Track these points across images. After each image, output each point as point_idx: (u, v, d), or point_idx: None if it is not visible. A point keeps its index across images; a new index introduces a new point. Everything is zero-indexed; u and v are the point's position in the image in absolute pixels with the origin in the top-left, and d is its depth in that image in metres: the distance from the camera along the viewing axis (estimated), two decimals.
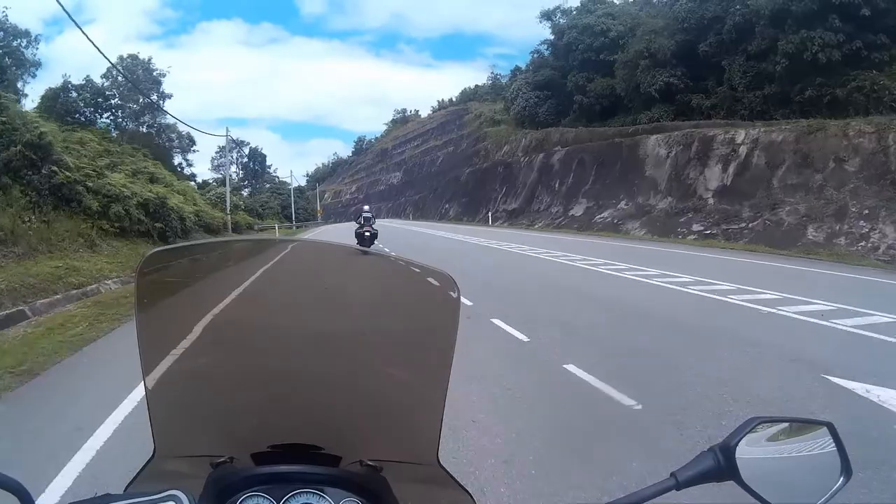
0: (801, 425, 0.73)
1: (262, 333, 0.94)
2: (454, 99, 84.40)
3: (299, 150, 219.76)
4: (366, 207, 16.04)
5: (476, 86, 79.63)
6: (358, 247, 1.23)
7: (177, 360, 0.89)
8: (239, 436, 0.90)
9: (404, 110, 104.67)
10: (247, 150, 61.41)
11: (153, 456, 0.86)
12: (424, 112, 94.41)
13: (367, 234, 14.62)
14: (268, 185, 57.43)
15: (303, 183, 75.09)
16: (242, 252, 1.20)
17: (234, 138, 50.89)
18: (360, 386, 0.93)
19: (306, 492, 0.78)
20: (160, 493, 0.66)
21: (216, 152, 58.22)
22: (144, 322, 0.87)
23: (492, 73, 74.99)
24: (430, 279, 0.87)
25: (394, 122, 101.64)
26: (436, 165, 66.38)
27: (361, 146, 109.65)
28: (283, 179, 59.17)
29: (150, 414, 0.84)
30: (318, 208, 57.27)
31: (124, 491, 0.75)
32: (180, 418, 0.91)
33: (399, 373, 0.92)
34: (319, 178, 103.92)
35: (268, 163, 63.76)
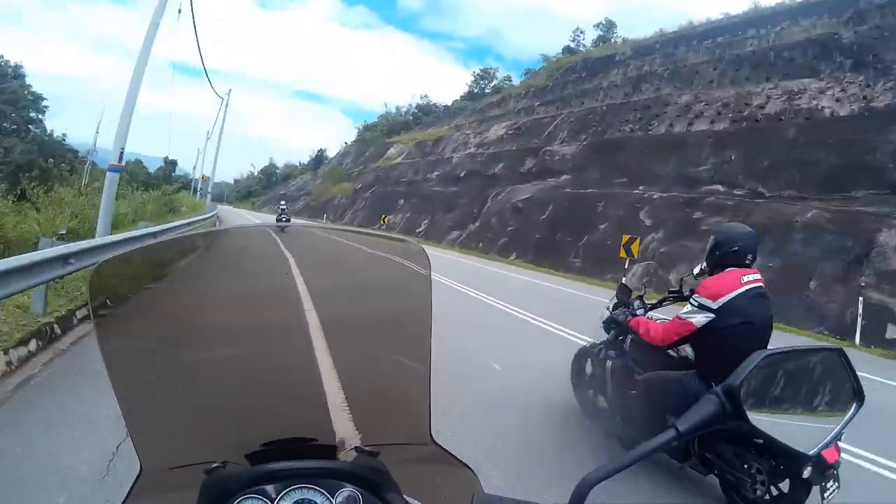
0: (808, 354, 0.67)
1: (233, 330, 0.89)
2: None
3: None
4: (282, 202, 26.63)
5: None
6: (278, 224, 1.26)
7: (149, 372, 0.85)
8: (229, 439, 0.86)
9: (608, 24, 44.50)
10: None
11: (140, 473, 0.81)
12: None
13: (283, 220, 22.51)
14: None
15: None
16: (194, 248, 1.05)
17: None
18: (346, 372, 0.90)
19: (302, 487, 0.76)
20: None
21: None
22: (106, 337, 0.82)
23: None
24: (400, 253, 0.84)
25: (602, 39, 42.70)
26: None
27: (485, 79, 54.00)
28: None
29: (129, 431, 0.80)
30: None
31: None
32: (163, 430, 0.86)
33: (382, 354, 0.89)
34: (388, 129, 59.36)
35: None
